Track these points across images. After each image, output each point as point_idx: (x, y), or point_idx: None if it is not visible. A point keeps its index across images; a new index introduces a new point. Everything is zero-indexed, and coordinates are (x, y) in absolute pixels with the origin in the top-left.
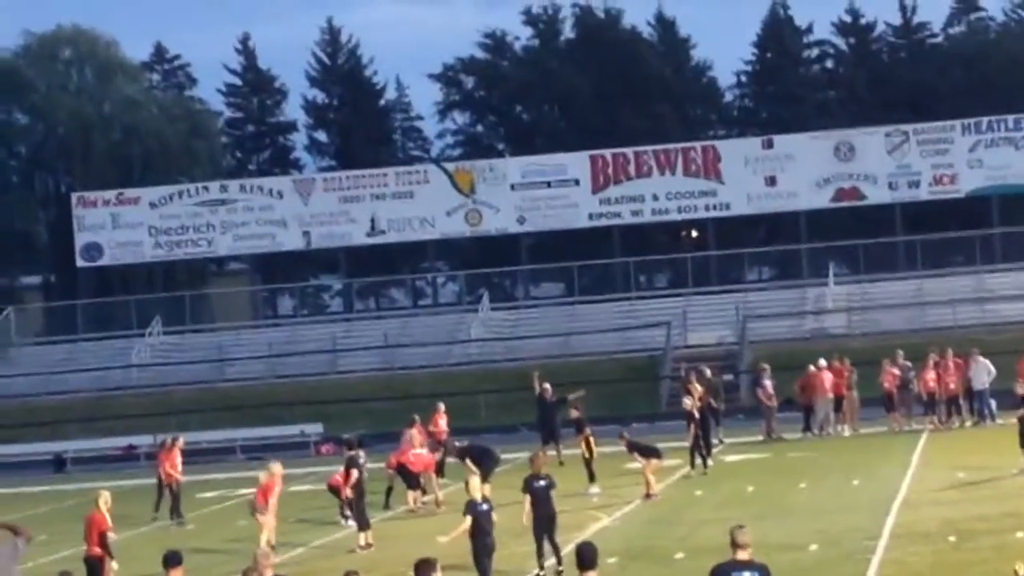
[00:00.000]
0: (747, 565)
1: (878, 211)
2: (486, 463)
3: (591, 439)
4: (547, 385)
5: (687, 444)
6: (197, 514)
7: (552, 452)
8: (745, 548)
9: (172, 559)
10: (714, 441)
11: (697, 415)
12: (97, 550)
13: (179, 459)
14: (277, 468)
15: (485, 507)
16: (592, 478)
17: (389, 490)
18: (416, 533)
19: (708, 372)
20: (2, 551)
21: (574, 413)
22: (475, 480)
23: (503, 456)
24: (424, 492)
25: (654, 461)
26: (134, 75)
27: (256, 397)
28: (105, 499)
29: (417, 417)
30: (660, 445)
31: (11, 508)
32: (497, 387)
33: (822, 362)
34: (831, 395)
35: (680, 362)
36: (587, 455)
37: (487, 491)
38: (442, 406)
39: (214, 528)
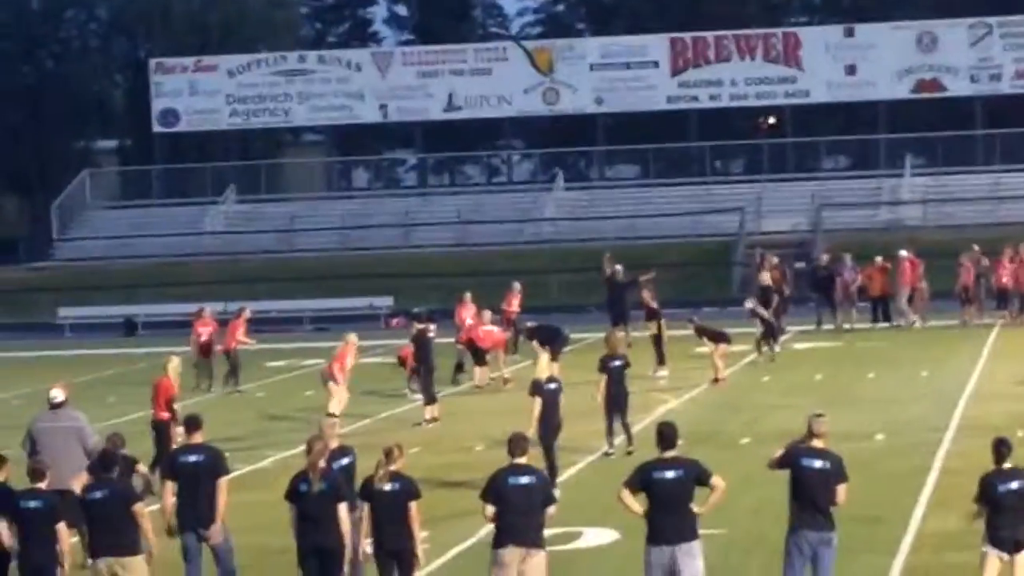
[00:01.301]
0: (820, 453)
1: (958, 103)
2: (555, 343)
3: (662, 322)
4: (618, 266)
5: (768, 317)
6: (264, 383)
7: (621, 333)
8: (821, 437)
9: (192, 423)
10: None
11: (776, 298)
12: (164, 414)
13: (243, 328)
14: (352, 338)
15: (553, 386)
16: (662, 361)
17: (459, 366)
18: (482, 409)
19: (775, 259)
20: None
21: (645, 296)
22: (543, 359)
23: (573, 336)
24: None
25: (722, 346)
26: None
27: (326, 268)
28: (174, 365)
29: (468, 295)
30: (730, 330)
31: (81, 370)
32: (568, 267)
33: (904, 252)
34: (911, 286)
35: (753, 248)
36: (657, 338)
37: (555, 370)
38: (517, 285)
39: (281, 397)
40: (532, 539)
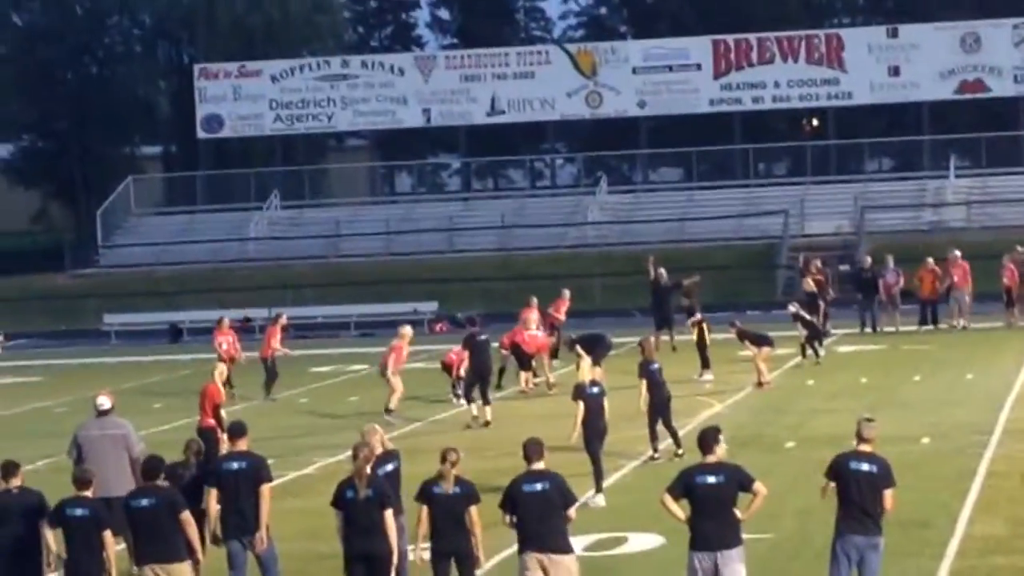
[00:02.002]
0: (868, 457)
1: (1002, 104)
2: (596, 348)
3: (704, 325)
4: (662, 270)
5: (813, 320)
6: (310, 388)
7: (665, 337)
8: (869, 442)
9: (236, 430)
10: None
11: (822, 303)
12: (210, 421)
13: (278, 336)
14: (407, 330)
15: (595, 390)
16: (706, 364)
17: (501, 370)
18: (527, 414)
19: (819, 263)
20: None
21: (686, 300)
22: (585, 364)
23: (617, 340)
24: (536, 374)
25: (765, 349)
26: None
27: (371, 273)
28: (220, 371)
29: (535, 299)
30: (773, 334)
31: (127, 377)
32: (612, 271)
33: (956, 253)
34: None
35: (797, 251)
36: (700, 341)
37: (598, 375)
38: (567, 292)
39: (326, 403)
40: (553, 544)
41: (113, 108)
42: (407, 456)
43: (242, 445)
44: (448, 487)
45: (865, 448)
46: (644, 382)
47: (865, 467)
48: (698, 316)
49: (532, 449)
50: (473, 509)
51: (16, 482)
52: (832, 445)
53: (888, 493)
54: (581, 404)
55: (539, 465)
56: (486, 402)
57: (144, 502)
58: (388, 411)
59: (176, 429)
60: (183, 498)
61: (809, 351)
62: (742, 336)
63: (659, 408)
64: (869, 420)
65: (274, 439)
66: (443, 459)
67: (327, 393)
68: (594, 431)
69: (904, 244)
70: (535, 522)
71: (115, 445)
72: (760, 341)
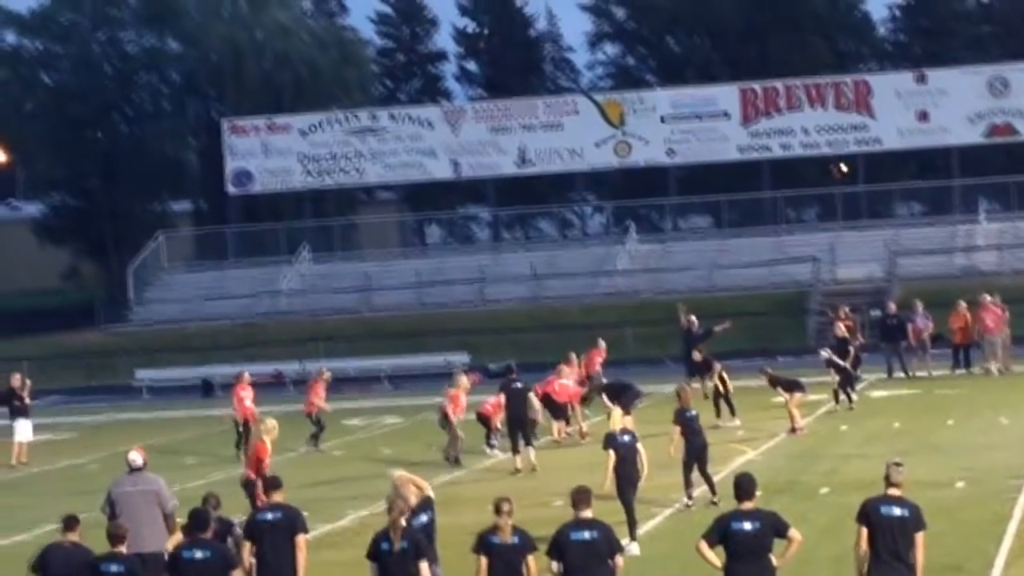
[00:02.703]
0: (898, 501)
1: None
2: (624, 397)
3: (723, 374)
4: (693, 317)
5: (845, 366)
6: (343, 440)
7: (697, 385)
8: (899, 486)
9: (272, 483)
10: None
11: (852, 349)
12: (251, 474)
13: (323, 391)
14: (464, 380)
15: (627, 439)
16: (732, 411)
17: (533, 421)
18: (560, 464)
19: (848, 309)
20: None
21: (696, 355)
22: (616, 413)
23: (649, 388)
24: (568, 423)
25: (797, 395)
26: (286, 2)
27: (403, 326)
28: (268, 427)
29: (574, 356)
30: (805, 379)
31: (159, 432)
32: (643, 319)
33: (987, 297)
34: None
35: (829, 297)
36: (722, 390)
37: (629, 423)
38: (603, 344)
39: (360, 455)
40: None
41: (143, 165)
42: (443, 507)
43: (278, 497)
44: (506, 537)
45: (895, 492)
46: (677, 428)
47: (896, 511)
48: (718, 366)
49: (580, 497)
50: (530, 558)
51: (73, 537)
52: (866, 490)
53: (919, 537)
54: (612, 452)
55: (587, 513)
56: (528, 444)
57: (199, 555)
58: (491, 445)
59: (209, 484)
60: (234, 554)
61: (842, 396)
62: (774, 382)
63: (695, 455)
64: (897, 464)
65: (309, 490)
66: (498, 510)
67: (360, 445)
68: (626, 479)
69: (936, 289)
70: (581, 570)
71: (148, 501)
72: (792, 387)
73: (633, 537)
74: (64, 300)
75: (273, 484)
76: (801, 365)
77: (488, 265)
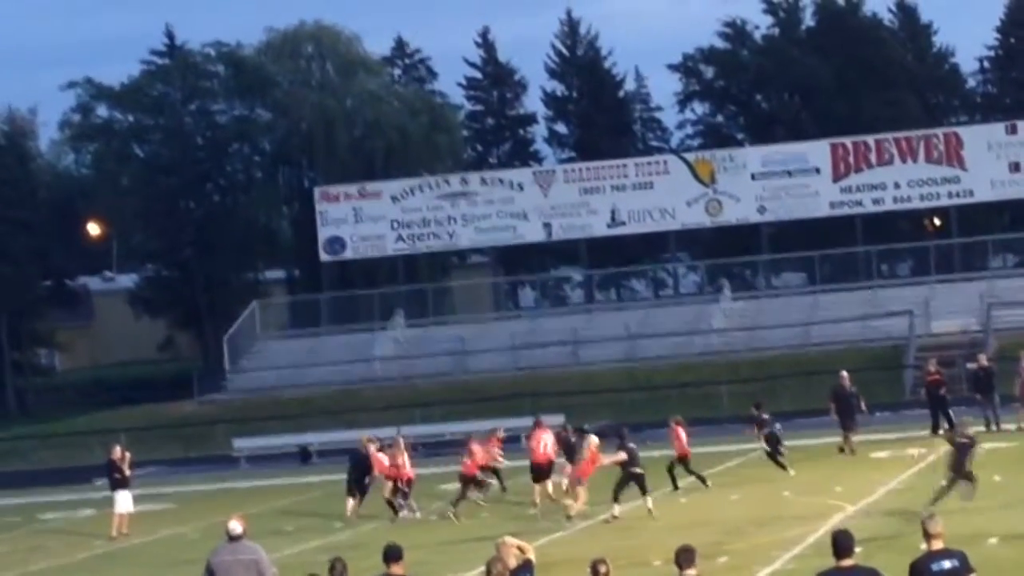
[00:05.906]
0: (945, 554)
1: None
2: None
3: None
4: (844, 373)
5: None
6: (439, 506)
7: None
8: (939, 537)
9: (392, 553)
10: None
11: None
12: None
13: (405, 455)
14: (595, 441)
15: None
16: (783, 467)
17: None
18: (658, 523)
19: (934, 361)
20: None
21: (756, 411)
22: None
23: (746, 447)
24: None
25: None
26: (375, 70)
27: (498, 388)
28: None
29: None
30: (902, 435)
31: (258, 500)
32: (739, 377)
33: None
34: None
35: (924, 351)
36: (767, 451)
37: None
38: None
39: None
40: None
41: (236, 235)
42: (541, 569)
43: (397, 570)
44: None
45: (938, 545)
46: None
47: (947, 564)
48: (765, 430)
49: (684, 556)
50: None
51: None
52: (967, 544)
53: None
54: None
55: (691, 572)
56: (644, 492)
57: None
58: (569, 517)
59: (309, 551)
60: None
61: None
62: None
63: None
64: (932, 516)
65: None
66: (594, 572)
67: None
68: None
69: None
70: None
71: (248, 570)
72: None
73: None
74: (160, 370)
75: (393, 554)
76: (899, 420)
77: (582, 326)
